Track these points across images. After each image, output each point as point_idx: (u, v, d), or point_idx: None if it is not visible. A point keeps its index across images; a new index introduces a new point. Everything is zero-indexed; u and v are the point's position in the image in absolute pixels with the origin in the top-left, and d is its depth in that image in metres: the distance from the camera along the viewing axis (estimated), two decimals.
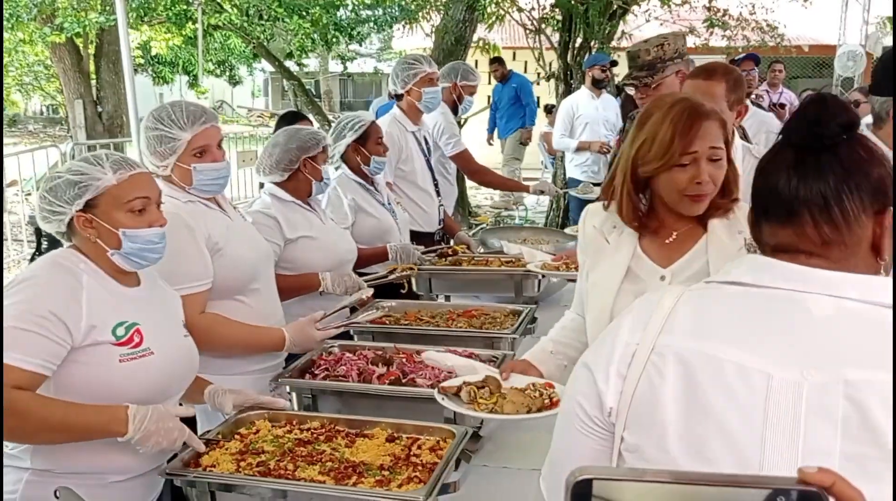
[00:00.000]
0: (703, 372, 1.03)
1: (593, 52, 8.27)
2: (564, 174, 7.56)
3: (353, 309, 2.94)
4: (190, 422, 2.32)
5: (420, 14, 9.68)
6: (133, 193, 1.91)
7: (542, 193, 4.86)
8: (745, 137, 2.95)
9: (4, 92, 10.81)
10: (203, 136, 2.36)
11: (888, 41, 12.17)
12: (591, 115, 6.66)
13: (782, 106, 7.87)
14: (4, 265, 7.13)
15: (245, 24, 8.84)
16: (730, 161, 1.81)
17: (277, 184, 2.93)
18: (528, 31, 9.69)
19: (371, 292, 2.89)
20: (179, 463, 1.82)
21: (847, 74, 11.90)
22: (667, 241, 1.86)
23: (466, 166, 4.69)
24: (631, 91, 3.25)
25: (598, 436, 1.13)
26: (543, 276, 3.19)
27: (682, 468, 1.02)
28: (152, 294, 2.04)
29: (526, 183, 5.07)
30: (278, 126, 3.67)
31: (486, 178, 4.91)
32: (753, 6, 9.67)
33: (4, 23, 8.32)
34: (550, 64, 9.97)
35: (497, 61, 10.55)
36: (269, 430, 2.00)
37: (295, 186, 2.93)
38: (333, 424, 2.02)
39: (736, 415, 1.00)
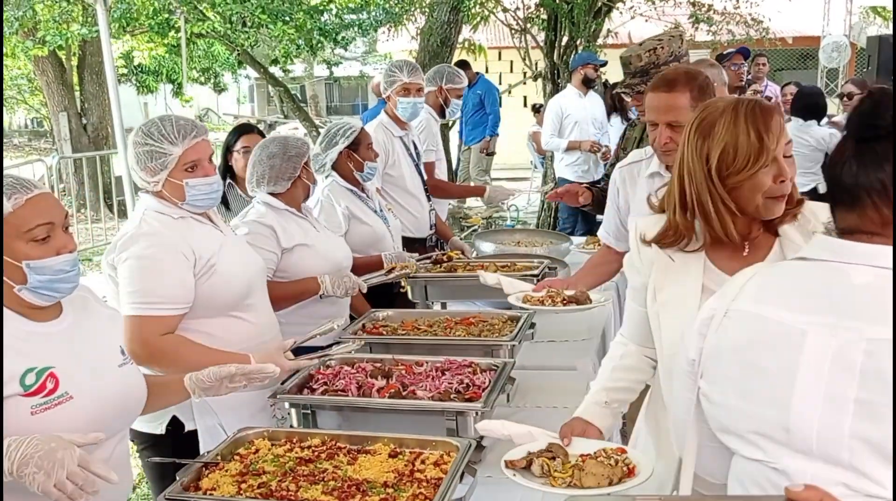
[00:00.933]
0: (753, 329, 1.26)
1: (580, 51, 8.25)
2: (554, 174, 7.54)
3: (352, 317, 2.94)
4: (192, 443, 2.29)
5: (404, 17, 9.64)
6: (33, 220, 1.68)
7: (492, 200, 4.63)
8: None
9: None
10: (194, 150, 2.33)
11: (872, 31, 12.23)
12: (580, 114, 6.63)
13: (768, 99, 7.87)
14: None
15: (228, 32, 8.77)
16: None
17: (273, 194, 2.91)
18: (513, 31, 9.68)
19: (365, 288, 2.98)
20: (179, 487, 1.78)
21: (832, 66, 11.94)
22: (744, 254, 1.73)
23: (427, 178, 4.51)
24: (627, 98, 3.25)
25: (688, 385, 1.37)
26: (511, 353, 2.63)
27: (734, 410, 1.27)
28: (76, 324, 1.83)
29: (489, 186, 4.80)
30: (233, 138, 3.60)
31: (442, 192, 4.67)
32: (738, 0, 9.68)
33: None
34: (536, 63, 9.96)
35: (463, 64, 10.14)
36: (269, 449, 1.97)
37: (293, 193, 2.93)
38: (334, 441, 1.98)
39: (775, 364, 1.22)
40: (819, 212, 1.71)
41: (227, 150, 3.57)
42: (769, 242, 1.75)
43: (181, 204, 2.34)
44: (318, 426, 2.21)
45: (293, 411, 2.23)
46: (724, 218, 1.67)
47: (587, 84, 6.69)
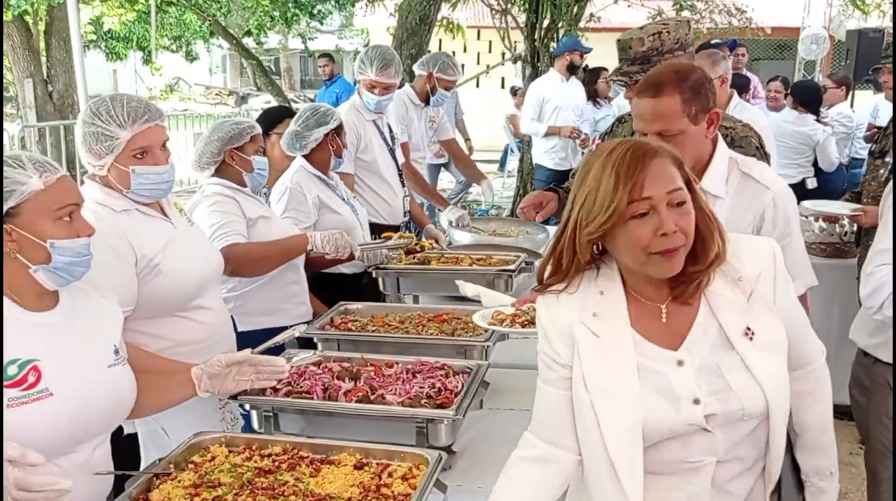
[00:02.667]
0: None
1: (561, 34, 8.12)
2: (531, 160, 7.43)
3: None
4: (131, 449, 2.15)
5: None
6: (63, 199, 1.67)
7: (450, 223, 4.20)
8: (732, 144, 2.52)
9: None
10: (145, 136, 2.15)
11: (851, 24, 12.22)
12: (561, 100, 6.53)
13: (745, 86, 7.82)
14: None
15: (200, 1, 8.51)
16: (700, 207, 1.47)
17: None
18: (493, 11, 9.52)
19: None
20: (126, 500, 1.65)
21: (810, 58, 11.92)
22: (662, 319, 1.51)
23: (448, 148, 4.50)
24: (621, 90, 2.94)
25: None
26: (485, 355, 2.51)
27: None
28: (71, 317, 1.75)
29: (446, 201, 4.64)
30: (271, 121, 3.48)
31: (413, 182, 4.47)
32: None
33: None
34: (516, 45, 9.81)
35: (327, 57, 9.89)
36: (227, 457, 1.85)
37: (229, 177, 2.82)
38: (296, 449, 1.87)
39: None
40: (742, 251, 1.53)
41: (264, 134, 3.24)
42: (693, 300, 1.51)
43: (126, 192, 2.18)
44: (281, 429, 2.09)
45: (254, 413, 2.10)
46: (571, 270, 1.52)
47: (571, 70, 6.58)
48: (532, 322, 2.29)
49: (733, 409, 1.45)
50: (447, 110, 4.58)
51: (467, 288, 2.73)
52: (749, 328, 1.48)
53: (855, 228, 3.92)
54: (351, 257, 2.85)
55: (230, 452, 1.87)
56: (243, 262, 2.67)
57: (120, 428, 2.19)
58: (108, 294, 1.91)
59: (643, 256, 1.44)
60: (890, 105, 5.84)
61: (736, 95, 4.27)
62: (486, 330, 2.50)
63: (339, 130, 3.35)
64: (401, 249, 2.88)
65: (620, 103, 7.12)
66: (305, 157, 3.30)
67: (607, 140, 3.04)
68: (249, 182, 2.85)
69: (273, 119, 3.45)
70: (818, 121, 6.25)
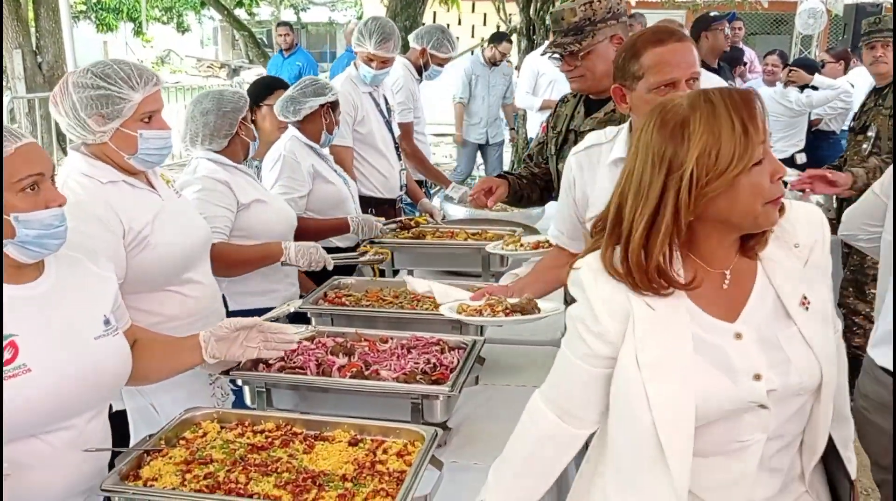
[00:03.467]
0: None
1: (557, 6, 8.03)
2: (526, 134, 7.38)
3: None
4: (120, 426, 2.11)
5: None
6: (22, 170, 1.57)
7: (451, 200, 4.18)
8: None
9: None
10: (153, 99, 2.12)
11: None
12: (556, 73, 6.44)
13: (745, 64, 7.76)
14: None
15: None
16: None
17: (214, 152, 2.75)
18: None
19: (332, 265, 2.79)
20: (116, 477, 1.62)
21: (807, 32, 11.82)
22: (724, 286, 1.40)
23: (403, 141, 4.32)
24: (556, 64, 2.83)
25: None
26: (481, 331, 2.45)
27: None
28: (57, 288, 1.69)
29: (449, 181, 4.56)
30: (262, 92, 3.40)
31: (418, 163, 4.48)
32: None
33: None
34: (511, 17, 9.71)
35: (286, 25, 9.46)
36: (219, 433, 1.81)
37: (232, 151, 2.77)
38: (290, 425, 1.84)
39: None
40: (796, 216, 1.44)
41: (254, 105, 3.24)
42: (750, 269, 1.43)
43: (128, 158, 2.12)
44: (274, 405, 2.06)
45: (246, 388, 2.07)
46: (656, 250, 1.34)
47: None
48: (514, 310, 2.17)
49: (792, 383, 1.37)
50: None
51: (416, 285, 2.43)
52: (805, 297, 1.40)
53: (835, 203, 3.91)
54: (325, 271, 2.79)
55: (222, 428, 1.84)
56: (217, 263, 2.57)
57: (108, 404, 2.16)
58: (104, 263, 1.86)
59: (759, 206, 1.33)
60: (864, 79, 5.87)
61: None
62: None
63: (334, 105, 3.31)
64: (375, 263, 2.82)
65: None
66: (298, 128, 3.24)
67: (549, 121, 2.90)
68: (252, 149, 2.82)
69: (264, 90, 3.38)
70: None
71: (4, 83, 12.28)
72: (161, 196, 2.26)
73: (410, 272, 3.24)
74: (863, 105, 4.19)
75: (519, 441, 1.59)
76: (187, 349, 1.92)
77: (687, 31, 3.79)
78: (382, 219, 3.29)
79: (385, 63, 3.82)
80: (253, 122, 2.89)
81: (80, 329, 1.70)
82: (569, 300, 2.66)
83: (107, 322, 1.76)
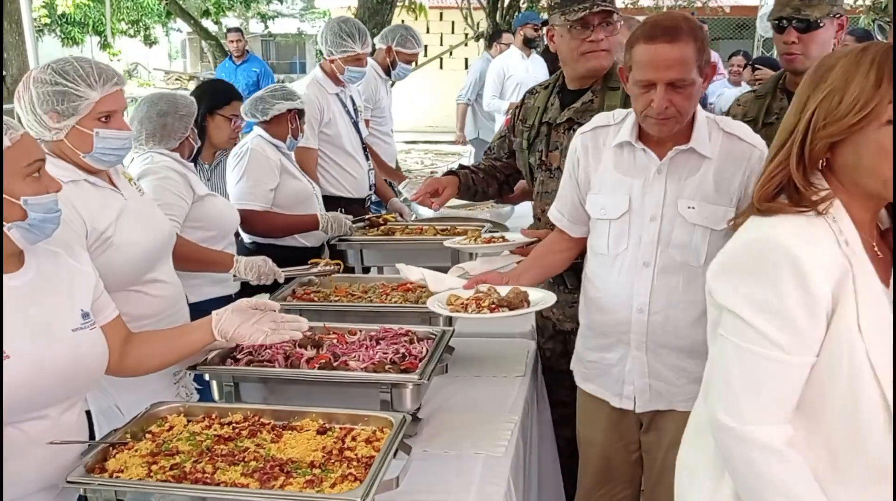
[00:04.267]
0: None
1: (523, 11, 8.10)
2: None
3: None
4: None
5: None
6: (31, 155, 1.65)
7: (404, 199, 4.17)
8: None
9: None
10: (112, 99, 2.09)
11: None
12: (522, 75, 6.51)
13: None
14: None
15: None
16: None
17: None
18: None
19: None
20: (82, 470, 1.60)
21: (768, 35, 11.97)
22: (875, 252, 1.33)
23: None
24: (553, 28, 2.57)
25: None
26: (450, 322, 2.39)
27: None
28: (36, 279, 1.71)
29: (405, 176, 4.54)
30: (220, 100, 3.33)
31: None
32: None
33: None
34: (479, 24, 9.77)
35: (237, 31, 9.10)
36: (185, 426, 1.80)
37: (181, 151, 2.82)
38: (257, 416, 1.83)
39: None
40: None
41: (208, 112, 3.22)
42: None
43: (83, 156, 2.10)
44: (242, 401, 2.05)
45: (214, 384, 2.06)
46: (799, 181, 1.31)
47: (528, 45, 6.56)
48: (501, 304, 2.13)
49: None
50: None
51: (410, 272, 2.40)
52: None
53: None
54: (275, 283, 2.77)
55: (189, 421, 1.83)
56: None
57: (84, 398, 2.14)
58: (83, 257, 1.87)
59: (887, 169, 1.25)
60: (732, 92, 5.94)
61: None
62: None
63: (301, 113, 3.33)
64: (327, 274, 2.81)
65: None
66: (264, 128, 3.24)
67: (517, 115, 2.83)
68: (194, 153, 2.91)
69: (220, 99, 3.28)
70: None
71: None
72: (124, 195, 2.24)
73: (380, 270, 3.24)
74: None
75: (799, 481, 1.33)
76: (195, 328, 1.97)
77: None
78: (351, 216, 3.29)
79: (362, 61, 3.83)
80: (203, 127, 2.97)
81: (59, 321, 1.71)
82: (566, 288, 2.66)
83: (85, 315, 1.76)
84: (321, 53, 3.89)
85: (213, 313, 1.95)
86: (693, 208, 2.05)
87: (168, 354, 1.95)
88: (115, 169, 2.26)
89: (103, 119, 2.09)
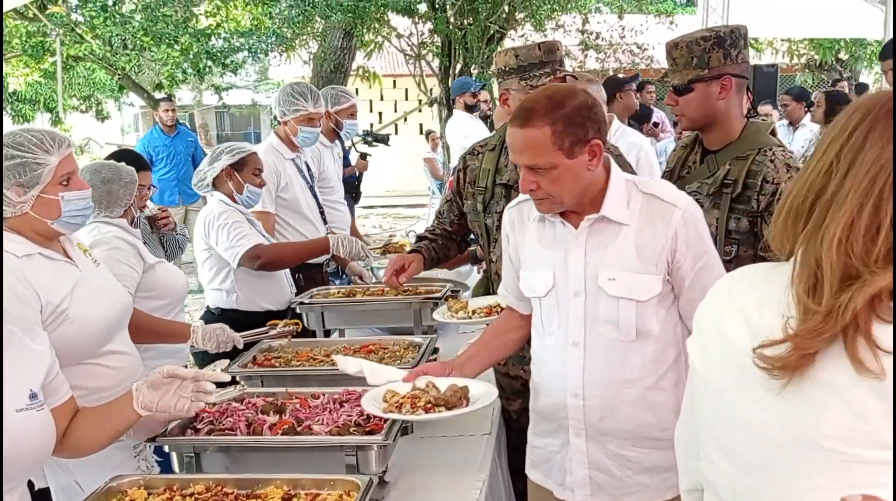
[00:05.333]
0: None
1: (474, 77, 8.31)
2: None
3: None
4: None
5: (297, 41, 9.47)
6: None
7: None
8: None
9: None
10: (69, 161, 2.10)
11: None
12: (478, 135, 6.63)
13: (656, 124, 8.14)
14: None
15: (109, 55, 8.35)
16: None
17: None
18: (408, 58, 9.68)
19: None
20: None
21: None
22: None
23: None
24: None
25: None
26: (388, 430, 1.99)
27: None
28: None
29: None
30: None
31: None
32: (623, 29, 10.02)
33: None
34: (431, 90, 9.98)
35: (170, 100, 8.67)
36: (146, 500, 1.75)
37: (125, 218, 2.85)
38: (220, 486, 1.78)
39: None
40: None
41: None
42: None
43: (52, 223, 2.07)
44: (204, 471, 2.00)
45: (174, 455, 2.00)
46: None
47: (469, 110, 6.71)
48: (438, 403, 1.95)
49: None
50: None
51: (347, 364, 2.21)
52: None
53: None
54: (234, 350, 2.72)
55: (149, 494, 1.77)
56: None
57: (30, 483, 2.06)
58: (41, 337, 1.79)
59: None
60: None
61: (616, 120, 4.43)
62: (416, 355, 2.46)
63: (238, 166, 3.23)
64: (286, 336, 2.77)
65: None
66: (217, 190, 3.26)
67: (462, 178, 2.82)
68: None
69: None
70: None
71: None
72: (79, 267, 2.21)
73: (341, 333, 3.22)
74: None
75: None
76: (120, 406, 1.84)
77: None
78: (360, 243, 3.30)
79: (315, 121, 3.86)
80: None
81: (3, 400, 1.62)
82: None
83: (33, 396, 1.68)
84: (276, 119, 3.92)
85: (133, 387, 1.84)
86: (614, 279, 1.93)
87: (95, 439, 1.84)
88: (69, 241, 2.23)
89: (64, 183, 2.09)
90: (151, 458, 2.29)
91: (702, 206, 2.39)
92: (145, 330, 2.51)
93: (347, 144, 4.70)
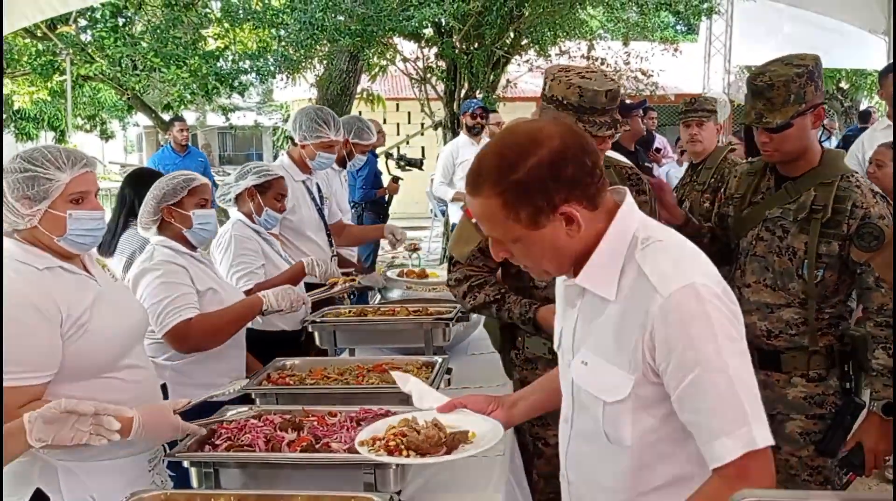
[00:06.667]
0: None
1: (465, 100, 8.39)
2: (448, 219, 7.54)
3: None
4: None
5: (303, 64, 9.56)
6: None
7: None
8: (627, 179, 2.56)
9: None
10: (83, 180, 2.10)
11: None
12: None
13: (658, 150, 8.21)
14: None
15: (118, 75, 8.42)
16: None
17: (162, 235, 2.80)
18: (413, 81, 9.76)
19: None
20: None
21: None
22: None
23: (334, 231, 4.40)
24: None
25: None
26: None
27: None
28: None
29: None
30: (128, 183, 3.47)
31: (349, 239, 4.58)
32: (629, 55, 10.12)
33: None
34: (435, 114, 10.05)
35: (183, 120, 8.81)
36: None
37: (173, 236, 2.81)
38: None
39: None
40: None
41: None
42: None
43: (57, 239, 2.08)
44: (222, 487, 2.00)
45: (193, 470, 2.01)
46: None
47: (470, 132, 6.75)
48: (410, 448, 1.75)
49: None
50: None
51: (401, 380, 2.14)
52: None
53: None
54: (273, 351, 2.83)
55: None
56: (201, 335, 2.69)
57: (45, 497, 2.06)
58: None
59: None
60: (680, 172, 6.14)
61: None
62: (429, 375, 2.49)
63: (262, 188, 3.33)
64: (347, 292, 2.86)
65: None
66: (238, 207, 3.34)
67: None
68: (191, 238, 2.82)
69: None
70: None
71: None
72: (98, 281, 2.23)
73: (353, 352, 3.24)
74: (681, 180, 4.47)
75: None
76: (10, 435, 1.74)
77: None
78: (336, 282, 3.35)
79: (333, 148, 3.93)
80: (207, 202, 2.90)
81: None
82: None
83: None
84: (291, 139, 3.97)
85: (25, 418, 1.75)
86: (586, 363, 1.57)
87: None
88: (88, 255, 2.25)
89: (75, 201, 2.10)
90: (165, 473, 2.29)
91: (787, 231, 2.51)
92: (217, 327, 2.66)
93: (381, 166, 4.83)
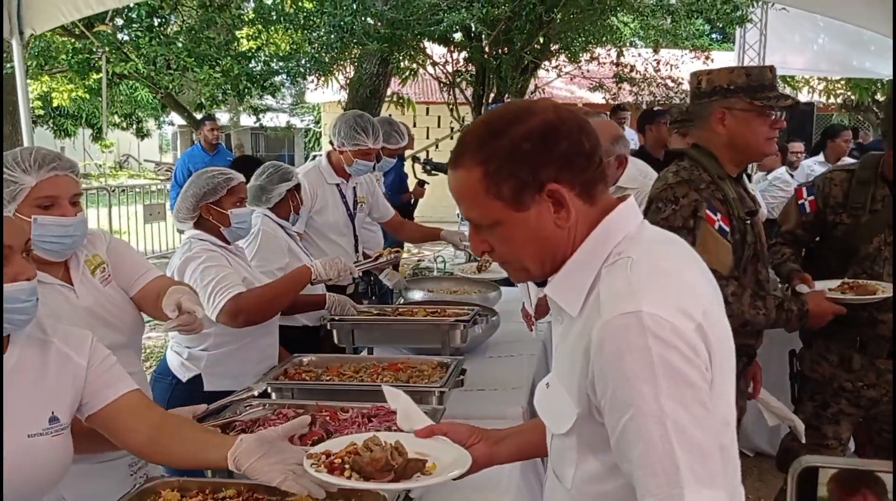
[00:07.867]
0: None
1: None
2: None
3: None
4: None
5: (334, 66, 9.65)
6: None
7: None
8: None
9: None
10: (51, 184, 1.99)
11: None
12: None
13: None
14: None
15: (153, 74, 8.58)
16: None
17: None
18: (442, 85, 9.80)
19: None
20: None
21: None
22: None
23: (391, 228, 4.61)
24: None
25: None
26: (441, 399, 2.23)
27: None
28: (14, 371, 1.57)
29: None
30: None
31: (408, 234, 4.77)
32: (658, 63, 10.07)
33: None
34: (463, 118, 10.09)
35: (214, 119, 8.61)
36: None
37: (208, 231, 2.84)
38: (252, 491, 1.83)
39: None
40: None
41: None
42: None
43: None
44: (234, 477, 2.05)
45: None
46: None
47: None
48: (355, 469, 1.52)
49: None
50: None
51: (390, 396, 1.88)
52: None
53: None
54: (306, 340, 2.90)
55: (183, 496, 1.82)
56: (254, 309, 2.72)
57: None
58: (81, 348, 1.70)
59: None
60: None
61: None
62: (444, 375, 2.50)
63: (297, 188, 3.43)
64: (392, 264, 2.91)
65: None
66: (269, 209, 3.37)
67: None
68: (228, 236, 2.85)
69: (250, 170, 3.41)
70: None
71: None
72: (76, 292, 2.13)
73: (370, 350, 3.28)
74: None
75: None
76: (216, 446, 1.72)
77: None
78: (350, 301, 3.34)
79: (371, 155, 3.95)
80: (243, 201, 2.91)
81: (19, 422, 1.56)
82: None
83: (53, 420, 1.62)
84: (330, 143, 4.01)
85: (240, 437, 1.69)
86: (548, 386, 1.42)
87: (182, 459, 1.80)
88: (75, 260, 2.15)
89: (43, 206, 1.99)
90: (151, 473, 2.24)
91: None
92: (268, 301, 2.75)
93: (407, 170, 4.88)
